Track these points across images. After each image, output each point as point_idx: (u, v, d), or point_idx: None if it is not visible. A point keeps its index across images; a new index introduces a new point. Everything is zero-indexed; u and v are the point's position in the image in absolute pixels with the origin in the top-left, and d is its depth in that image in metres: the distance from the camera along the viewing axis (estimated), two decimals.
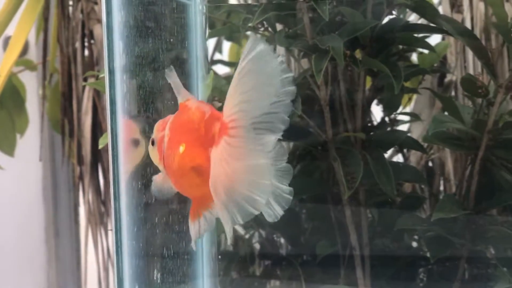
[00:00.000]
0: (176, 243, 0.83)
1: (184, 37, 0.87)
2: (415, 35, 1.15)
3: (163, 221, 0.81)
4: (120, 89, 0.73)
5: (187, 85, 0.89)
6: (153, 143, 0.75)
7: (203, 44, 0.96)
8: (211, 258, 0.96)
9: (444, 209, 1.08)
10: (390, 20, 1.12)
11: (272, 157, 0.65)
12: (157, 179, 0.77)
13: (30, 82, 1.92)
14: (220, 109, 0.67)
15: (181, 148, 0.69)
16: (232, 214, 0.64)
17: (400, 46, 1.19)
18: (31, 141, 1.88)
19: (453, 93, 1.55)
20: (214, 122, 0.67)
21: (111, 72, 0.69)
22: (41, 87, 1.76)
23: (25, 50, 1.96)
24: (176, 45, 0.87)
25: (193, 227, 0.72)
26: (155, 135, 0.75)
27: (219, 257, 1.09)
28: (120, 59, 0.71)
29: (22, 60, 1.89)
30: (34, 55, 1.96)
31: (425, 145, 1.26)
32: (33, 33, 1.84)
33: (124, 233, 0.76)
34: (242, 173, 0.64)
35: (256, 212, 0.65)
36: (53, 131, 1.88)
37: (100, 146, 1.13)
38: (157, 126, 0.75)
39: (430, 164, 1.58)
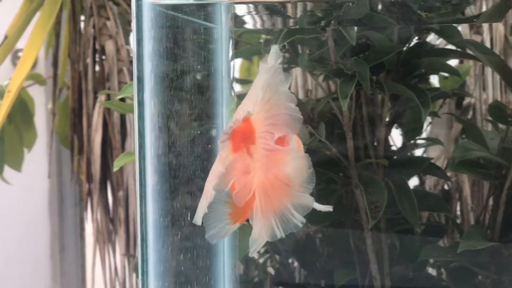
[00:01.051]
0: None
1: (211, 59, 0.83)
2: (440, 59, 1.11)
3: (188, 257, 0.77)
4: (149, 112, 0.68)
5: (212, 112, 0.84)
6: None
7: (227, 65, 0.91)
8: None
9: (470, 241, 1.03)
10: (416, 44, 1.07)
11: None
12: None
13: (39, 97, 1.88)
14: None
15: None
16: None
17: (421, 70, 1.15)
18: (38, 156, 1.84)
19: (470, 116, 1.52)
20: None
21: (140, 104, 0.65)
22: (51, 102, 1.71)
23: (34, 64, 1.91)
24: (202, 67, 0.83)
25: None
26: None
27: None
28: (149, 83, 0.67)
29: (31, 74, 1.84)
30: (43, 69, 1.92)
31: None
32: (42, 47, 1.80)
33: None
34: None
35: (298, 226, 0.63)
36: (61, 146, 1.84)
37: (115, 169, 1.08)
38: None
39: (445, 187, 1.54)
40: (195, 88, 0.79)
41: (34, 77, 1.84)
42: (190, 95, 0.79)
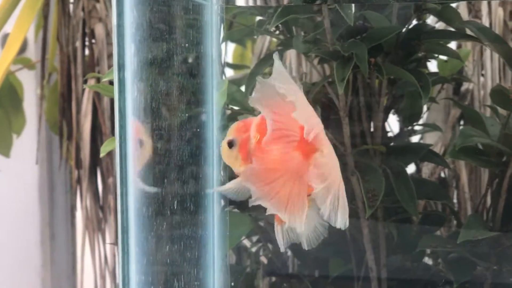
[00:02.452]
0: (186, 270, 0.73)
1: (200, 40, 0.77)
2: (441, 42, 1.05)
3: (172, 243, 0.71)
4: (131, 92, 0.62)
5: (202, 92, 0.78)
6: (231, 145, 0.71)
7: (218, 48, 0.85)
8: (222, 281, 0.86)
9: (470, 231, 0.97)
10: (416, 25, 1.01)
11: None
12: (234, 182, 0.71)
13: (28, 81, 1.82)
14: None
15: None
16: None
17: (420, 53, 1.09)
18: (28, 141, 1.78)
19: (467, 102, 1.46)
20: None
21: (121, 81, 0.59)
22: (39, 87, 1.65)
23: (23, 48, 1.86)
24: (191, 48, 0.77)
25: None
26: (235, 136, 0.71)
27: (232, 284, 0.99)
28: (131, 63, 0.61)
29: (20, 58, 1.78)
30: (33, 53, 1.86)
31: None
32: (32, 30, 1.74)
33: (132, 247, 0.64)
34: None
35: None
36: (51, 132, 1.78)
37: (101, 154, 1.02)
38: (237, 127, 0.71)
39: (442, 175, 1.48)
40: (182, 70, 0.74)
41: (23, 61, 1.78)
42: (176, 78, 0.73)
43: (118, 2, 0.56)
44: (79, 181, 1.62)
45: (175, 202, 0.71)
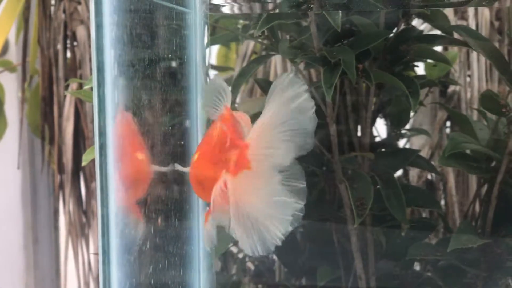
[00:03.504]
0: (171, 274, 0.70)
1: (183, 46, 0.73)
2: (429, 46, 1.02)
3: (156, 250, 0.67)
4: (111, 101, 0.59)
5: (185, 98, 0.75)
6: None
7: (202, 52, 0.82)
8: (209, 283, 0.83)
9: (461, 238, 0.95)
10: (404, 30, 0.98)
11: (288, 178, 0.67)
12: None
13: (10, 84, 1.78)
14: None
15: (195, 157, 0.70)
16: (252, 244, 0.66)
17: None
18: (10, 145, 1.75)
19: (453, 105, 1.43)
20: (233, 150, 0.67)
21: (100, 99, 0.55)
22: (20, 90, 1.61)
23: (4, 50, 1.82)
24: (174, 54, 0.73)
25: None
26: None
27: None
28: (111, 69, 0.57)
29: (1, 61, 1.75)
30: (14, 55, 1.82)
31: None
32: (13, 33, 1.71)
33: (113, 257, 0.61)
34: (265, 207, 0.66)
35: (274, 246, 0.66)
36: (34, 135, 1.74)
37: (83, 163, 0.99)
38: None
39: (429, 177, 1.46)
40: (165, 77, 0.70)
41: (4, 64, 1.74)
42: (159, 85, 0.70)
43: (97, 13, 0.53)
44: (61, 185, 1.58)
45: (158, 204, 0.68)
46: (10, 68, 1.75)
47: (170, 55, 0.72)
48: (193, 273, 0.73)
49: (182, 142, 0.74)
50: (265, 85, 1.01)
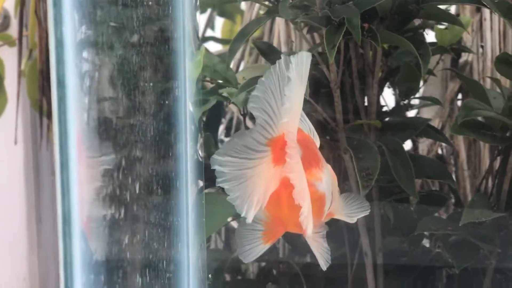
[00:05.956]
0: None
1: (169, 5, 0.65)
2: (440, 7, 0.93)
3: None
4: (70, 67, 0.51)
5: (172, 62, 0.67)
6: None
7: (192, 16, 0.74)
8: (198, 269, 0.75)
9: (473, 211, 0.87)
10: None
11: None
12: None
13: (10, 59, 1.71)
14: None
15: None
16: None
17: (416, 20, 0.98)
18: (11, 121, 1.68)
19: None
20: None
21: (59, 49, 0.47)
22: (18, 64, 1.55)
23: (6, 24, 1.75)
24: (158, 15, 0.65)
25: None
26: None
27: (209, 276, 0.88)
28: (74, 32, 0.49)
29: (1, 35, 1.67)
30: (15, 30, 1.75)
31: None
32: (12, 6, 1.64)
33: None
34: None
35: None
36: (35, 111, 1.67)
37: None
38: None
39: (440, 152, 1.38)
40: (144, 38, 0.62)
41: (3, 38, 1.66)
42: (136, 48, 0.61)
43: None
44: None
45: (140, 184, 0.60)
46: (9, 42, 1.67)
47: (150, 15, 0.63)
48: (181, 249, 0.66)
49: (167, 103, 0.66)
50: (264, 48, 0.93)
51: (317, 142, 0.67)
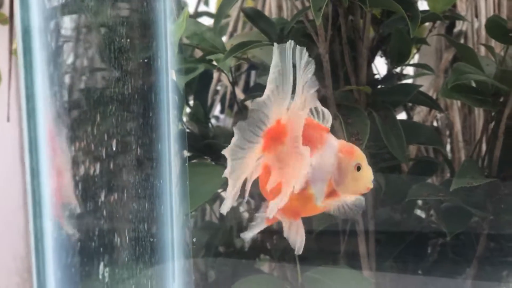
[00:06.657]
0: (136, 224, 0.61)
1: None
2: None
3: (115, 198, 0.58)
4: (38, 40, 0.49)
5: (150, 23, 0.65)
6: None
7: None
8: (183, 240, 0.74)
9: (464, 177, 0.85)
10: None
11: None
12: None
13: (3, 37, 1.69)
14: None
15: None
16: None
17: None
18: (4, 100, 1.66)
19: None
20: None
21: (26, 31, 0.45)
22: (9, 42, 1.53)
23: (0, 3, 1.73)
24: None
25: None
26: None
27: (194, 240, 0.87)
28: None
29: None
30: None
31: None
32: None
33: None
34: None
35: None
36: None
37: None
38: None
39: (435, 123, 1.36)
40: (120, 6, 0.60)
41: None
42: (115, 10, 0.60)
43: None
44: None
45: (118, 151, 0.58)
46: (2, 20, 1.66)
47: None
48: (165, 229, 0.64)
49: (147, 69, 0.64)
50: (252, 13, 0.91)
51: (329, 122, 0.65)
